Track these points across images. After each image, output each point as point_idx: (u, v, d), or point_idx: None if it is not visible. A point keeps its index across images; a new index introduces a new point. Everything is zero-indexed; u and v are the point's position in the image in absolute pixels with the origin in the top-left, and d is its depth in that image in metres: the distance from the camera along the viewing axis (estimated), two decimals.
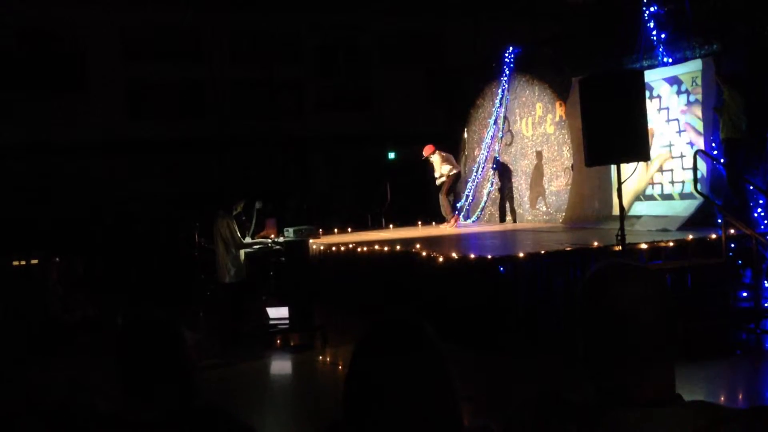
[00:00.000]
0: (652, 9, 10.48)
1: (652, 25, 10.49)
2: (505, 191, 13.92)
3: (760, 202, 8.85)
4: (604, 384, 1.49)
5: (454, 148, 16.00)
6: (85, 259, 12.23)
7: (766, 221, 8.78)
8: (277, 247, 8.99)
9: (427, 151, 12.97)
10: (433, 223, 14.34)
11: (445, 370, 1.52)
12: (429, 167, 13.29)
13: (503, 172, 14.00)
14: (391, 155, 19.08)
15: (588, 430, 1.44)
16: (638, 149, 6.88)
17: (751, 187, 8.81)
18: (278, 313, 8.67)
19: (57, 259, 11.91)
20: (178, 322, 2.24)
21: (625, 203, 10.65)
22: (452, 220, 13.21)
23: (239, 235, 8.73)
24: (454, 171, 12.98)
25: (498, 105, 14.37)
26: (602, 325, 1.49)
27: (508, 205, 13.94)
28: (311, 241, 10.12)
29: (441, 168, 12.88)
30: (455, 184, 13.30)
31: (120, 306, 9.45)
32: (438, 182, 13.06)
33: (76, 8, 18.31)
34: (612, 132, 6.73)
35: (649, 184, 10.75)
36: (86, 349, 8.47)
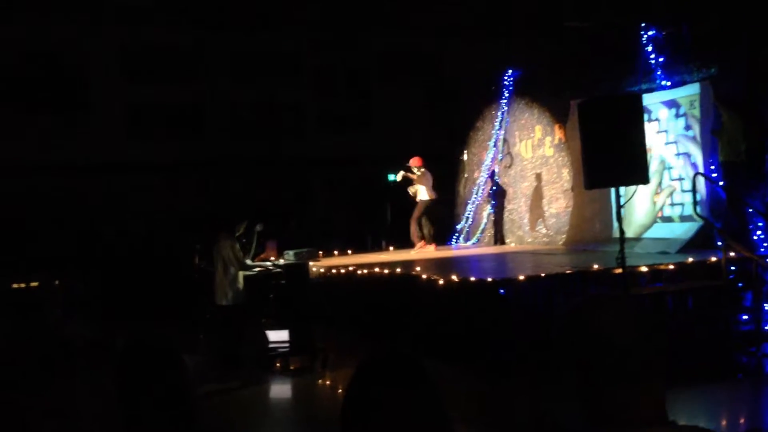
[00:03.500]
0: (650, 33, 10.57)
1: (650, 48, 10.57)
2: (498, 214, 13.93)
3: (760, 224, 8.85)
4: (593, 409, 1.54)
5: (454, 170, 16.06)
6: (84, 281, 12.22)
7: (765, 244, 8.78)
8: (278, 269, 8.97)
9: (415, 162, 12.75)
10: (433, 245, 14.31)
11: (439, 403, 1.58)
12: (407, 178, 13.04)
13: (499, 193, 13.97)
14: (391, 176, 19.11)
15: None
16: (637, 172, 6.89)
17: (751, 210, 8.82)
18: (278, 336, 8.64)
19: (57, 281, 11.91)
20: (178, 347, 2.25)
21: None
22: (429, 247, 12.85)
23: (242, 256, 8.73)
24: (429, 198, 12.70)
25: (498, 127, 14.43)
26: (585, 353, 1.55)
27: (499, 228, 13.92)
28: (311, 263, 10.11)
29: (420, 189, 12.67)
30: (428, 209, 12.88)
31: (119, 329, 9.42)
32: (417, 197, 12.81)
33: (78, 30, 18.44)
34: (611, 155, 6.75)
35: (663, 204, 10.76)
36: (85, 373, 8.43)
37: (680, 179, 10.32)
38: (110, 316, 11.25)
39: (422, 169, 12.75)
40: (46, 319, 9.84)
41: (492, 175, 14.06)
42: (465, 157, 15.71)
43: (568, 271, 8.26)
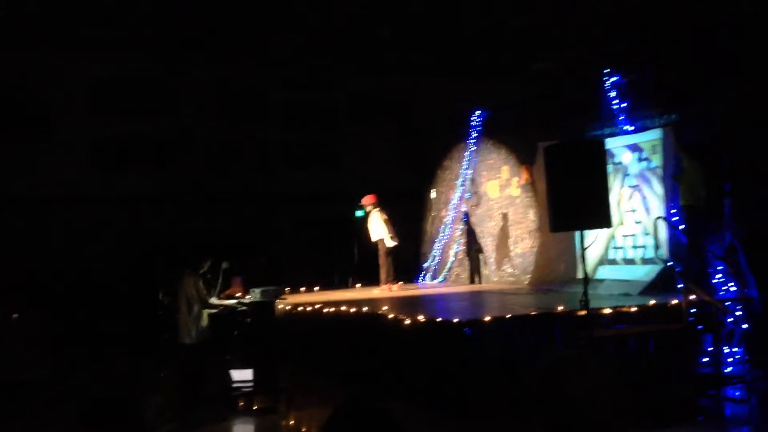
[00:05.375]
0: (613, 79, 10.84)
1: (613, 94, 10.83)
2: (472, 254, 13.98)
3: (719, 268, 9.04)
4: None
5: (421, 208, 16.17)
6: (44, 316, 11.98)
7: (724, 287, 8.96)
8: (243, 307, 8.90)
9: (367, 200, 12.58)
10: (400, 283, 14.34)
11: None
12: (365, 220, 12.90)
13: (470, 231, 14.03)
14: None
15: None
16: (600, 216, 7.02)
17: (711, 254, 9.01)
18: (242, 375, 8.53)
19: (15, 315, 11.66)
20: (141, 397, 2.25)
21: (589, 268, 10.84)
22: (386, 287, 12.65)
23: (206, 294, 8.64)
24: (391, 243, 12.46)
25: (465, 167, 14.59)
26: (558, 411, 1.59)
27: (474, 267, 13.94)
28: (277, 301, 10.04)
29: (378, 230, 12.45)
30: (388, 248, 12.62)
31: (79, 366, 9.24)
32: (372, 239, 12.64)
33: (43, 60, 18.32)
34: (575, 199, 6.87)
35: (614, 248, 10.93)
36: (39, 411, 8.23)
37: (642, 222, 10.51)
38: (70, 352, 11.03)
39: (376, 207, 12.60)
40: (5, 354, 9.60)
41: (466, 217, 14.07)
42: (433, 195, 15.84)
43: (533, 313, 8.33)
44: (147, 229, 18.57)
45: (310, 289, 13.80)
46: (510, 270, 13.21)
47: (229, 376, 8.67)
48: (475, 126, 14.42)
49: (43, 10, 15.33)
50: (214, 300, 8.94)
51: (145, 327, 11.28)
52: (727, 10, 12.43)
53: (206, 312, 8.55)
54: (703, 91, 9.67)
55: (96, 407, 2.20)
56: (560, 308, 8.38)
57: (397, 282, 12.94)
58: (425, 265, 15.44)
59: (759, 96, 9.32)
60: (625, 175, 10.89)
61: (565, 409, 1.59)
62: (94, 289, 15.77)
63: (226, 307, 8.95)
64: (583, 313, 7.48)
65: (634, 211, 10.68)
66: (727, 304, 8.51)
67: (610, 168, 9.82)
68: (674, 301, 8.48)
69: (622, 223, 10.80)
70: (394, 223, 12.79)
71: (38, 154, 18.37)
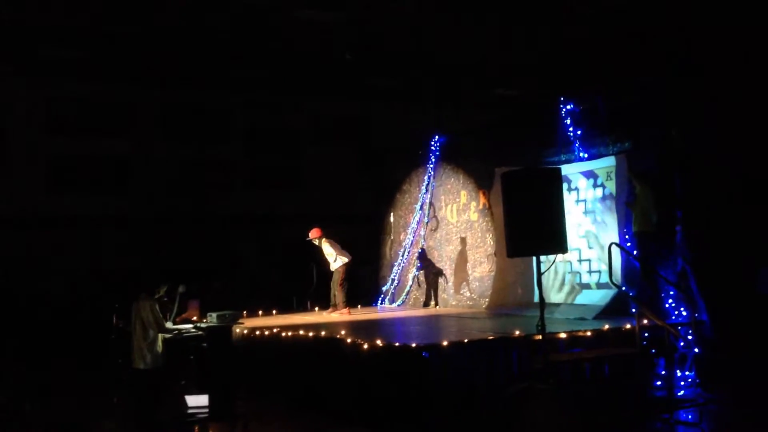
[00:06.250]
0: (568, 107, 11.07)
1: (568, 121, 11.06)
2: (430, 278, 14.06)
3: (671, 293, 9.24)
4: None
5: (380, 232, 16.21)
6: None
7: (676, 312, 9.15)
8: (199, 332, 8.79)
9: (313, 234, 12.77)
10: (359, 306, 14.33)
11: None
12: (315, 249, 13.06)
13: (426, 261, 14.14)
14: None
15: None
16: (556, 242, 7.13)
17: (662, 279, 9.20)
18: (197, 401, 8.41)
19: None
20: (94, 423, 2.23)
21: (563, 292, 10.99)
22: (345, 311, 12.72)
23: (162, 318, 8.52)
24: (343, 261, 12.68)
25: (424, 191, 14.71)
26: None
27: (432, 291, 14.00)
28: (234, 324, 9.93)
29: (330, 258, 12.71)
30: (348, 272, 12.81)
31: (31, 391, 9.02)
32: (331, 267, 12.84)
33: None
34: (532, 225, 6.98)
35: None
36: None
37: (595, 248, 10.70)
38: (23, 376, 10.77)
39: (322, 239, 12.76)
40: None
41: (422, 254, 14.21)
42: (391, 219, 15.90)
43: (490, 337, 8.39)
44: (105, 251, 18.27)
45: (268, 313, 13.68)
46: (468, 294, 13.30)
47: (184, 402, 8.54)
48: (434, 150, 14.56)
49: (0, 30, 15.10)
50: (169, 324, 8.81)
51: (99, 352, 11.06)
52: (677, 38, 12.84)
53: (161, 336, 8.42)
54: (653, 120, 9.92)
55: None
56: (517, 333, 8.45)
57: (339, 308, 12.83)
58: (384, 288, 15.45)
59: (710, 124, 9.61)
60: (581, 201, 11.09)
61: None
62: (49, 314, 15.44)
63: (181, 331, 8.83)
64: (539, 337, 7.57)
65: (589, 236, 10.87)
66: (679, 328, 8.70)
67: (566, 194, 10.03)
68: (628, 326, 8.64)
69: (578, 249, 10.97)
70: (342, 244, 12.88)
71: None
